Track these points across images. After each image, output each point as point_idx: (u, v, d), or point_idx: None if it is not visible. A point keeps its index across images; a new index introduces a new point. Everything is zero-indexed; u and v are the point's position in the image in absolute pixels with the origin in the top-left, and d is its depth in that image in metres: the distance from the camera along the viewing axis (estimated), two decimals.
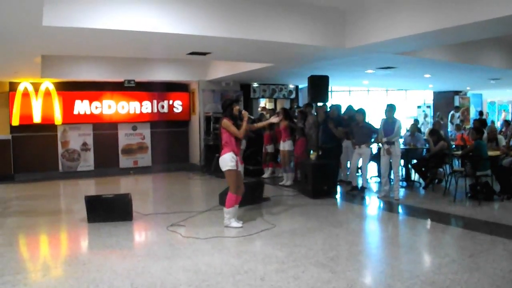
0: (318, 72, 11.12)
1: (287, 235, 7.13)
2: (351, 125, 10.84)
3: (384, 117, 9.91)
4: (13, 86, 13.70)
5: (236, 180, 7.39)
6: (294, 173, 11.94)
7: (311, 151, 11.88)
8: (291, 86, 17.75)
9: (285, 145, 11.78)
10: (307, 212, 8.73)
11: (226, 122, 7.35)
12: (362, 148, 10.33)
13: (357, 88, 22.66)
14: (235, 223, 7.47)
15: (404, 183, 11.53)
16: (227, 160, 7.29)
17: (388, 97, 23.37)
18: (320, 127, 11.08)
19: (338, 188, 11.01)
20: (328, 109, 11.68)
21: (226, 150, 7.33)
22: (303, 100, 18.01)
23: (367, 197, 10.25)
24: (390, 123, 9.75)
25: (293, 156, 11.99)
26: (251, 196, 9.38)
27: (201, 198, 11.18)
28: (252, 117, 8.16)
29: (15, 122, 13.64)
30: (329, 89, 13.64)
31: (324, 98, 10.54)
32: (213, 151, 14.09)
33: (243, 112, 7.54)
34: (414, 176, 12.02)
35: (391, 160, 9.84)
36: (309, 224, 7.74)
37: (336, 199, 10.10)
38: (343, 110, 12.28)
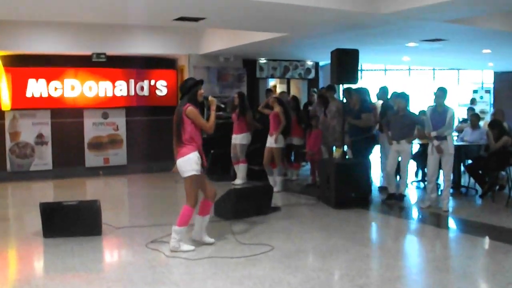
0: (345, 45, 11.07)
1: (302, 256, 7.10)
2: (388, 115, 10.81)
3: (432, 104, 9.87)
4: None
5: (198, 188, 7.30)
6: (282, 177, 12.07)
7: (334, 148, 11.87)
8: (309, 63, 17.71)
9: (273, 140, 11.73)
10: (329, 227, 8.70)
11: (192, 111, 7.16)
12: (401, 144, 10.30)
13: (395, 66, 22.57)
14: (186, 247, 7.31)
15: (454, 190, 11.49)
16: (192, 163, 7.11)
17: (436, 79, 23.30)
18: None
19: (370, 196, 10.98)
20: (342, 97, 11.61)
21: (189, 148, 7.14)
22: (324, 81, 17.97)
23: (407, 208, 10.22)
24: (440, 112, 9.70)
25: (303, 153, 12.03)
26: (256, 205, 9.38)
27: None
28: (222, 106, 8.09)
29: None
30: (359, 68, 13.61)
31: (353, 79, 10.51)
32: (207, 146, 14.01)
33: (210, 98, 7.50)
34: (469, 181, 11.98)
35: (440, 160, 9.81)
36: (331, 242, 7.72)
37: (367, 209, 10.08)
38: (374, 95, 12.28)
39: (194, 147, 7.15)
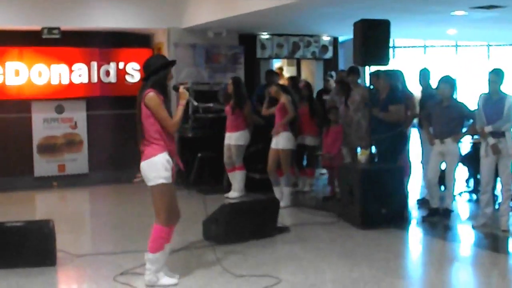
0: (373, 15, 11.08)
1: None
2: (427, 105, 10.80)
3: (486, 91, 9.88)
4: None
5: (172, 200, 7.30)
6: (291, 187, 12.12)
7: (359, 149, 11.86)
8: (326, 38, 17.71)
9: (279, 140, 11.72)
10: (353, 253, 8.71)
11: (153, 99, 7.04)
12: (446, 144, 10.32)
13: (437, 42, 22.58)
14: (166, 280, 7.28)
15: None
16: (159, 168, 7.03)
17: (491, 58, 23.31)
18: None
19: (406, 211, 11.01)
20: (369, 83, 11.63)
21: (155, 148, 7.06)
22: (345, 61, 17.97)
23: (454, 227, 10.21)
24: (495, 102, 9.71)
25: (318, 156, 12.06)
26: (257, 225, 9.39)
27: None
28: (196, 103, 7.98)
29: None
30: (391, 44, 13.61)
31: (383, 59, 10.51)
32: (193, 148, 14.07)
33: (181, 89, 7.35)
34: None
35: (497, 164, 9.81)
36: (356, 273, 7.71)
37: (403, 230, 10.08)
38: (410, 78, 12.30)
39: (162, 146, 7.06)
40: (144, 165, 7.07)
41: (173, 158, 7.18)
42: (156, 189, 7.09)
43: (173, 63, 7.42)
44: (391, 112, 10.88)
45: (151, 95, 7.01)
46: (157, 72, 7.15)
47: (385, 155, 11.00)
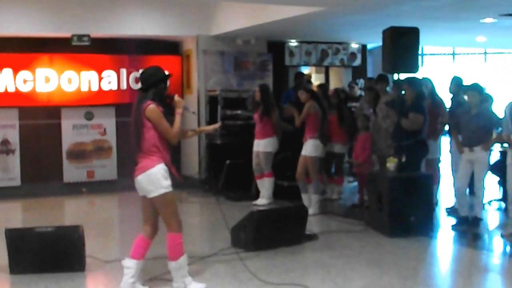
0: (402, 23, 11.06)
1: None
2: (456, 113, 10.74)
3: None
4: None
5: (176, 207, 7.27)
6: (320, 195, 12.07)
7: (388, 157, 11.82)
8: (354, 46, 17.70)
9: (307, 147, 11.72)
10: (381, 261, 8.68)
11: (155, 110, 7.03)
12: (475, 152, 10.26)
13: (466, 49, 22.45)
14: (195, 285, 7.27)
15: None
16: (159, 178, 7.00)
17: None
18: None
19: (435, 220, 10.95)
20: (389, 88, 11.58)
21: (153, 159, 7.04)
22: (374, 69, 17.94)
23: (484, 236, 10.15)
24: None
25: (345, 164, 12.04)
26: (286, 232, 9.39)
27: (201, 235, 11.25)
28: (192, 111, 7.79)
29: None
30: (420, 51, 13.56)
31: (412, 66, 10.48)
32: (221, 155, 14.10)
33: (176, 98, 7.34)
34: None
35: None
36: (385, 281, 7.70)
37: (432, 238, 10.03)
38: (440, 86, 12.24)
39: (159, 157, 7.04)
40: (143, 178, 7.04)
41: (169, 168, 7.12)
42: (160, 199, 7.07)
43: (167, 76, 7.35)
44: (409, 119, 10.81)
45: (152, 107, 6.99)
46: (157, 84, 7.14)
47: (407, 162, 10.93)
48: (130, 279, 7.14)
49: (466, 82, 11.72)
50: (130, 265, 7.16)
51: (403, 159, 11.16)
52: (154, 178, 6.98)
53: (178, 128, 7.13)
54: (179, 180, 7.34)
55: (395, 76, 11.73)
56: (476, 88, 10.49)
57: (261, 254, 8.83)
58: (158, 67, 7.42)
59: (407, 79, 11.42)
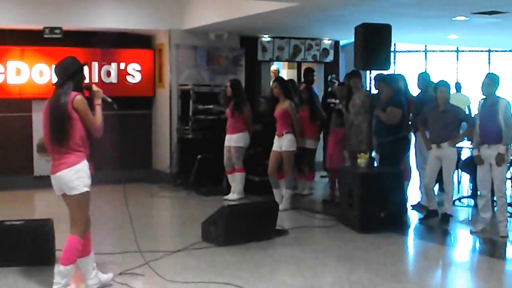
0: (374, 19, 11.09)
1: None
2: (425, 109, 10.80)
3: (483, 96, 9.88)
4: None
5: (88, 210, 7.01)
6: (291, 190, 12.06)
7: (359, 153, 11.86)
8: (327, 42, 17.71)
9: (283, 142, 11.76)
10: (351, 256, 8.71)
11: (83, 101, 6.74)
12: (443, 149, 10.34)
13: (438, 47, 22.54)
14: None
15: None
16: (84, 176, 6.77)
17: (492, 64, 23.27)
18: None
19: (405, 216, 11.02)
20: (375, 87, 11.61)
21: (78, 155, 6.75)
22: (346, 65, 17.97)
23: (453, 232, 10.23)
24: (489, 106, 9.74)
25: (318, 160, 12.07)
26: (256, 227, 9.41)
27: (171, 229, 11.24)
28: (110, 100, 7.31)
29: None
30: (392, 48, 13.60)
31: (384, 63, 10.52)
32: (193, 149, 14.09)
33: (94, 88, 7.07)
34: None
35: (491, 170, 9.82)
36: (355, 277, 7.72)
37: (401, 234, 10.08)
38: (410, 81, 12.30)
39: (83, 153, 6.80)
40: (67, 173, 6.69)
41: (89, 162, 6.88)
42: (80, 198, 6.79)
43: (84, 65, 7.06)
44: (387, 113, 10.84)
45: (79, 98, 6.68)
46: (74, 75, 6.81)
47: (387, 159, 10.99)
48: (90, 276, 7.10)
49: (437, 79, 11.78)
50: (81, 265, 7.05)
51: (376, 156, 11.26)
52: (81, 174, 6.71)
53: (100, 120, 6.89)
54: (92, 174, 6.96)
55: (368, 72, 11.74)
56: (445, 85, 10.58)
57: (232, 249, 8.84)
58: (73, 57, 7.07)
59: (382, 76, 11.47)
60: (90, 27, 14.55)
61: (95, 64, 15.26)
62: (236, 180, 12.71)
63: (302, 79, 15.97)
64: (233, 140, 12.61)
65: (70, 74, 6.77)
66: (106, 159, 15.30)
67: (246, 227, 9.30)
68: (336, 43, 17.94)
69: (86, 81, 14.49)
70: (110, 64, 15.42)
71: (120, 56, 15.56)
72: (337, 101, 13.65)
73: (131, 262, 8.17)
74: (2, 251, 7.99)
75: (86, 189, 6.76)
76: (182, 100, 15.09)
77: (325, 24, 14.98)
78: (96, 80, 15.20)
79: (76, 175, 6.69)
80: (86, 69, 7.35)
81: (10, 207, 12.27)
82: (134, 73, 15.64)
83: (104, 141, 15.26)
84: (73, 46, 14.96)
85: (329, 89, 15.77)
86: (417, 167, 12.17)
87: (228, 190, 12.93)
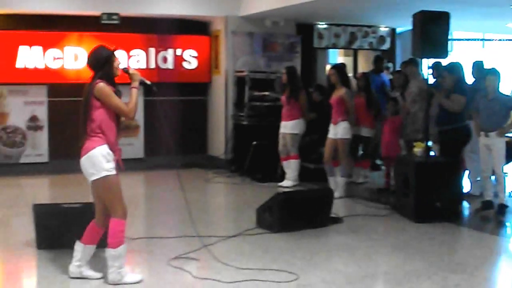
0: (432, 7, 10.98)
1: (370, 283, 7.12)
2: (476, 97, 10.67)
3: None
4: None
5: (120, 191, 6.97)
6: (346, 178, 12.03)
7: (415, 141, 11.78)
8: (384, 29, 17.62)
9: (338, 130, 11.70)
10: (406, 245, 8.68)
11: (103, 88, 6.77)
12: (491, 138, 10.27)
13: (497, 35, 22.26)
14: (131, 276, 6.94)
15: None
16: (101, 160, 6.71)
17: None
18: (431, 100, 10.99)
19: (461, 206, 10.94)
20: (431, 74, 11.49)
21: (95, 141, 6.74)
22: (403, 53, 17.84)
23: (509, 222, 10.15)
24: None
25: (373, 148, 12.03)
26: (311, 215, 9.43)
27: (226, 215, 11.33)
28: (149, 83, 7.26)
29: None
30: (450, 36, 13.46)
31: (442, 51, 10.42)
32: (248, 136, 14.14)
33: (131, 70, 7.16)
34: None
35: None
36: (409, 266, 7.70)
37: (457, 224, 10.01)
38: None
39: (102, 139, 6.76)
40: (84, 160, 6.76)
41: (113, 151, 6.88)
42: (101, 183, 6.78)
43: (115, 51, 7.06)
44: (451, 99, 10.73)
45: (100, 85, 6.74)
46: (104, 65, 6.87)
47: (448, 148, 10.87)
48: (76, 262, 6.97)
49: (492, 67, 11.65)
50: (77, 248, 6.96)
51: (434, 146, 11.16)
52: (96, 160, 6.69)
53: (134, 102, 6.91)
54: (122, 169, 7.02)
55: (424, 61, 11.62)
56: (494, 73, 10.46)
57: (286, 236, 8.88)
58: (101, 46, 7.11)
59: (444, 64, 11.36)
60: (147, 13, 14.69)
61: (152, 50, 15.42)
62: (291, 167, 12.72)
63: (372, 66, 15.88)
64: (288, 127, 12.61)
65: (99, 64, 6.87)
66: (162, 144, 15.46)
67: (300, 214, 9.33)
68: (393, 30, 17.83)
69: (143, 65, 15.02)
70: (166, 50, 15.55)
71: (176, 42, 15.66)
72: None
73: (186, 246, 8.22)
74: (60, 234, 8.01)
75: (106, 173, 6.72)
76: (238, 86, 15.15)
77: (381, 11, 14.89)
78: (153, 66, 15.37)
79: (92, 161, 6.72)
80: (119, 53, 7.28)
81: (67, 190, 12.38)
82: (191, 59, 15.75)
83: (160, 126, 15.59)
84: (130, 32, 15.15)
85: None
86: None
87: (282, 177, 12.95)
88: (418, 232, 9.39)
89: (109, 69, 6.87)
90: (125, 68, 7.12)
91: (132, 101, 6.90)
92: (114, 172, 6.81)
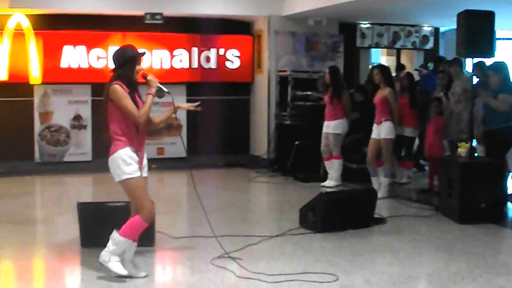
0: (477, 6, 10.89)
1: (414, 285, 7.08)
2: None
3: None
4: None
5: (146, 194, 6.98)
6: (390, 179, 11.92)
7: (459, 142, 11.69)
8: (427, 29, 17.51)
9: (382, 130, 11.62)
10: (450, 247, 8.60)
11: (116, 90, 6.81)
12: None
13: None
14: (115, 265, 6.87)
15: None
16: (120, 164, 6.82)
17: None
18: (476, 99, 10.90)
19: (506, 207, 10.80)
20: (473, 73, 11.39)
21: (118, 144, 6.88)
22: (447, 52, 17.71)
23: None
24: None
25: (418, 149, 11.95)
26: (354, 215, 9.41)
27: (269, 214, 11.29)
28: (166, 90, 7.30)
29: None
30: (495, 36, 13.33)
31: (487, 51, 10.33)
32: (290, 135, 14.13)
33: (150, 77, 7.08)
34: None
35: None
36: (453, 268, 7.62)
37: (502, 226, 9.90)
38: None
39: (124, 142, 6.86)
40: (109, 162, 6.93)
41: (138, 153, 6.93)
42: (123, 185, 6.89)
43: (141, 55, 7.05)
44: (499, 99, 10.63)
45: (115, 87, 6.79)
46: (124, 65, 6.90)
47: (496, 148, 10.75)
48: (113, 253, 6.90)
49: None
50: (123, 240, 6.85)
51: (479, 146, 11.05)
52: (115, 164, 6.83)
53: (146, 109, 6.86)
54: (141, 173, 6.95)
55: (468, 60, 11.54)
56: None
57: (329, 236, 8.85)
58: (128, 46, 7.14)
59: (490, 65, 11.26)
60: (190, 13, 14.73)
61: (195, 50, 15.45)
62: (334, 167, 12.67)
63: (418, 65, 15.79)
64: (331, 127, 12.56)
65: (119, 62, 6.92)
66: (206, 143, 15.52)
67: (344, 214, 9.28)
68: (436, 30, 17.73)
69: (186, 65, 15.07)
70: (209, 49, 15.58)
71: (219, 42, 15.67)
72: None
73: (229, 246, 8.21)
74: (104, 233, 7.90)
75: (126, 176, 6.78)
76: (281, 86, 15.13)
77: (425, 11, 14.79)
78: (196, 65, 15.39)
79: (114, 164, 6.86)
80: (145, 57, 7.26)
81: (111, 189, 12.26)
82: (233, 59, 15.76)
83: (204, 126, 15.64)
84: (173, 32, 15.20)
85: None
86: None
87: (325, 176, 12.91)
88: (462, 233, 9.31)
89: (128, 70, 6.88)
90: (145, 74, 7.10)
91: (145, 107, 6.88)
92: (136, 174, 6.84)
